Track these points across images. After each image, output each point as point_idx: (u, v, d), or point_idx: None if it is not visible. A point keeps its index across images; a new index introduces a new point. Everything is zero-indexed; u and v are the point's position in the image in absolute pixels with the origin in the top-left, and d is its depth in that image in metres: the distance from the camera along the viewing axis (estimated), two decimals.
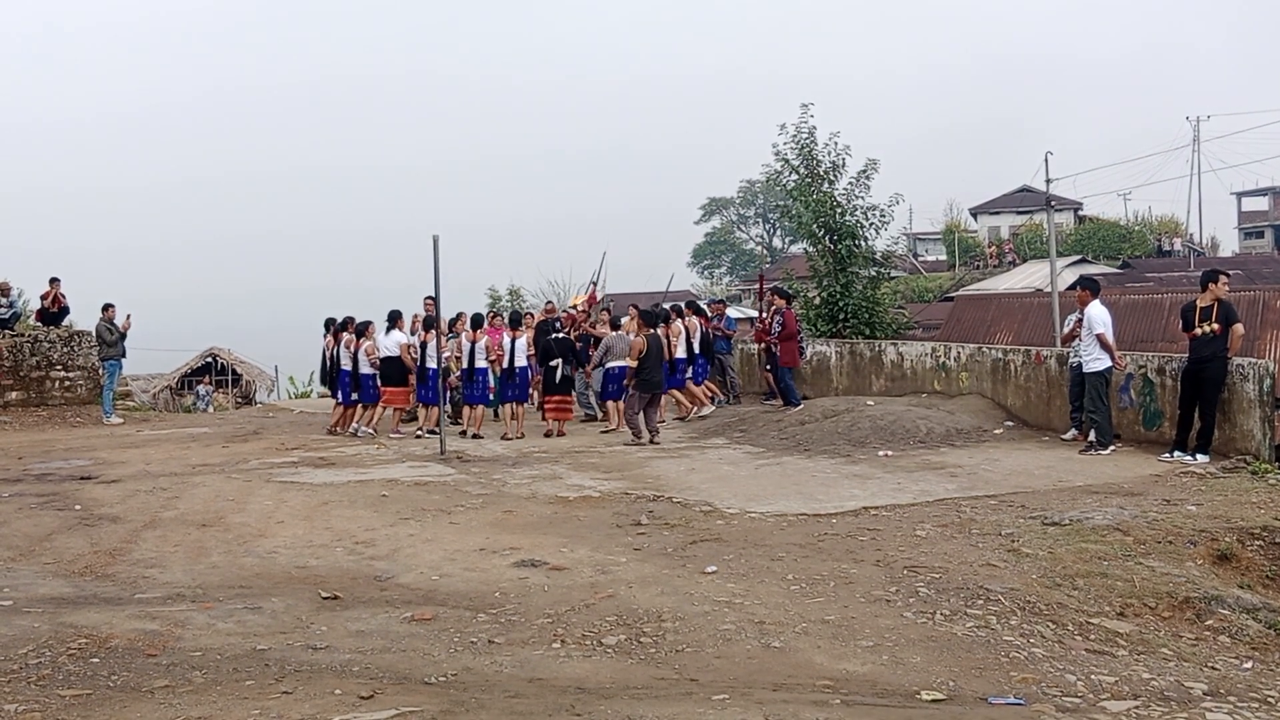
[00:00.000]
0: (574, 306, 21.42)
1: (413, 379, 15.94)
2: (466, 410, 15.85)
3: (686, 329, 16.77)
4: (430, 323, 15.68)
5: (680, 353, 16.55)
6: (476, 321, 16.08)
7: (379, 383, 16.03)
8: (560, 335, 16.06)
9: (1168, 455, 11.13)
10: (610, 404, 16.20)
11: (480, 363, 15.62)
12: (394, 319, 16.03)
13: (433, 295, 14.92)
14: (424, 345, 15.70)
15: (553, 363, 15.65)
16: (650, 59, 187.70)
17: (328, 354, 16.71)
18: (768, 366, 17.20)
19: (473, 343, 15.62)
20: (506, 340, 15.78)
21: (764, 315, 17.79)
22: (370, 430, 16.03)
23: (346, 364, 16.17)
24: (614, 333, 16.34)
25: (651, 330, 14.66)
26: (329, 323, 16.70)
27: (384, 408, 16.34)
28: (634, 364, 14.29)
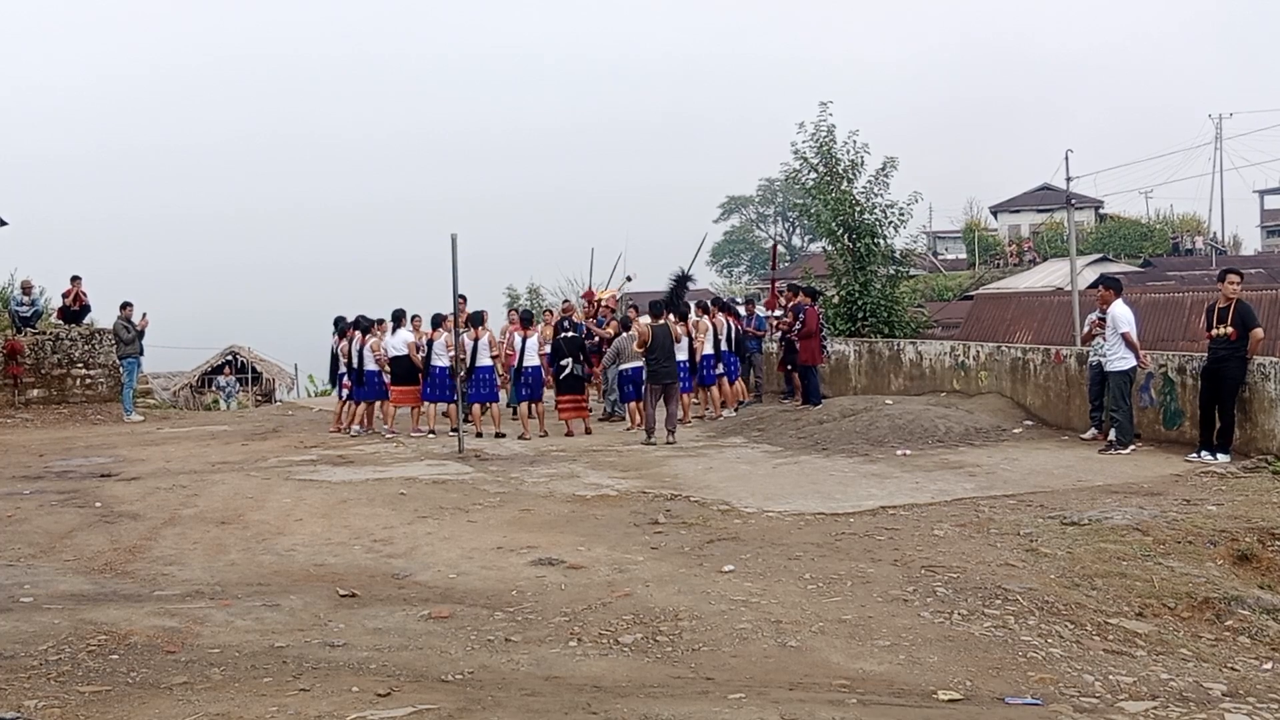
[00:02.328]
0: (599, 301, 21.32)
1: (421, 377, 15.91)
2: (476, 409, 15.69)
3: (715, 326, 16.77)
4: (438, 320, 15.71)
5: (708, 349, 16.53)
6: (476, 319, 15.92)
7: (384, 380, 16.01)
8: (570, 334, 16.02)
9: (1194, 455, 11.05)
10: (630, 405, 16.16)
11: (484, 360, 15.55)
12: (399, 318, 16.06)
13: (461, 295, 14.87)
14: (430, 343, 15.71)
15: (562, 362, 15.63)
16: (632, 38, 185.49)
17: (339, 353, 16.71)
18: (790, 365, 17.16)
19: (475, 340, 15.48)
20: (517, 339, 15.73)
21: (786, 314, 17.70)
22: (389, 429, 16.04)
23: (364, 363, 16.16)
24: (625, 334, 16.24)
25: (659, 321, 14.50)
26: (338, 322, 16.77)
27: (395, 406, 16.29)
28: (640, 350, 14.27)
